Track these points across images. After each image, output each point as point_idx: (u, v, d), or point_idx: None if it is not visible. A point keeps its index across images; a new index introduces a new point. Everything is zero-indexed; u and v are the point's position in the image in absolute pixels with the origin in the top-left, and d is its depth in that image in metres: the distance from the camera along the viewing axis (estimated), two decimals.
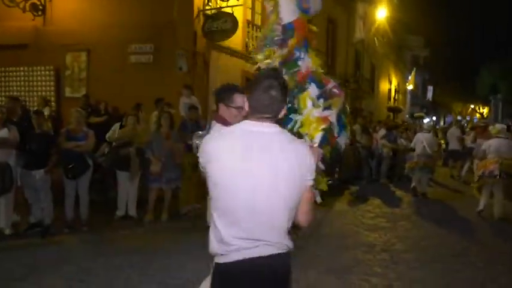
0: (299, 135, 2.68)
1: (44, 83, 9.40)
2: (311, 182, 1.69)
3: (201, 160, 1.71)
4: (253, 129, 1.65)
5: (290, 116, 2.77)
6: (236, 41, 9.53)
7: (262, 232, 1.60)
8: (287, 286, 1.67)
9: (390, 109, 26.18)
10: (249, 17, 10.42)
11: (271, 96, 1.64)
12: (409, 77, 30.18)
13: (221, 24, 8.14)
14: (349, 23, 17.83)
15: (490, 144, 6.76)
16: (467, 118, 38.02)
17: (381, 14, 19.50)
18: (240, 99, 2.48)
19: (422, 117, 29.31)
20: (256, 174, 1.58)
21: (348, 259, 4.63)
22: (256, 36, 10.49)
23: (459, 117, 33.11)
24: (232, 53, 9.57)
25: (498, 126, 7.35)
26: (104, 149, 6.79)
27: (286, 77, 2.76)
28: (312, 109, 2.72)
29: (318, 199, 2.65)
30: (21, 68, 9.48)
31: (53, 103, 9.15)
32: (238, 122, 2.44)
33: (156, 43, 8.52)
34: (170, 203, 6.08)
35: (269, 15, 2.96)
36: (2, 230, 5.09)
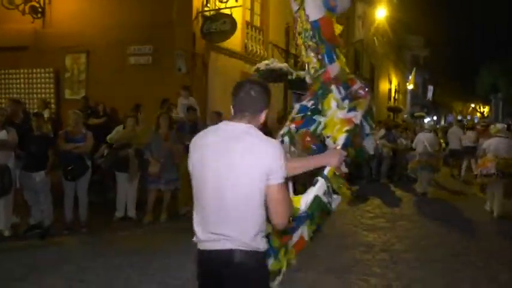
0: (322, 137, 2.65)
1: (43, 85, 9.42)
2: (276, 182, 1.67)
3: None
4: (228, 128, 1.76)
5: (314, 118, 2.72)
6: (235, 42, 9.55)
7: (225, 228, 1.69)
8: (251, 285, 1.73)
9: (390, 109, 26.16)
10: (248, 18, 10.43)
11: (250, 96, 1.75)
12: (409, 77, 30.17)
13: (220, 25, 8.16)
14: (348, 23, 17.84)
15: (490, 144, 6.83)
16: (468, 117, 37.98)
17: (381, 13, 19.51)
18: None
19: (423, 117, 29.31)
20: (222, 171, 1.68)
21: (347, 259, 4.63)
22: (256, 38, 10.52)
23: (459, 117, 33.07)
24: (231, 54, 9.58)
25: (498, 125, 7.42)
26: (103, 150, 6.80)
27: (309, 77, 2.78)
28: (336, 110, 2.64)
29: (334, 205, 2.42)
30: (21, 70, 9.50)
31: (52, 105, 9.17)
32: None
33: (155, 44, 8.53)
34: (169, 203, 6.09)
35: (295, 13, 2.84)
36: (1, 231, 5.11)
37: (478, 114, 40.70)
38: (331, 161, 2.27)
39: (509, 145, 6.66)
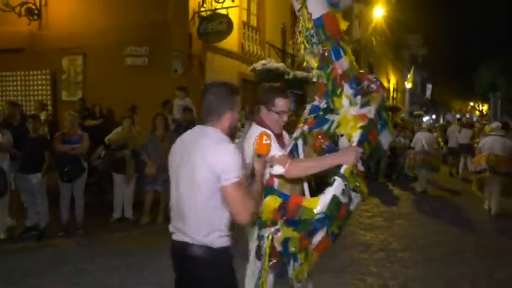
0: (335, 136, 2.57)
1: (40, 87, 9.39)
2: (229, 183, 1.74)
3: None
4: (195, 131, 1.94)
5: (326, 117, 2.64)
6: (232, 42, 9.53)
7: (182, 223, 1.87)
8: (205, 279, 1.85)
9: (389, 108, 26.15)
10: (245, 19, 10.42)
11: (210, 100, 1.88)
12: (408, 76, 30.16)
13: (216, 25, 8.14)
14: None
15: (485, 142, 6.97)
16: (467, 116, 37.98)
17: (378, 13, 19.49)
18: (282, 103, 2.43)
19: (422, 116, 29.28)
20: (182, 172, 1.86)
21: (344, 258, 4.62)
22: (252, 38, 10.51)
23: (458, 115, 33.08)
24: (228, 54, 9.56)
25: (493, 124, 7.52)
26: (100, 151, 6.80)
27: (322, 76, 2.68)
28: (348, 107, 2.57)
29: (353, 205, 2.39)
30: (18, 73, 9.48)
31: (49, 107, 9.16)
32: (280, 127, 2.50)
33: (152, 45, 8.51)
34: (166, 205, 6.06)
35: (297, 12, 2.79)
36: None
37: (477, 113, 40.70)
38: (348, 159, 2.24)
39: (504, 143, 6.74)
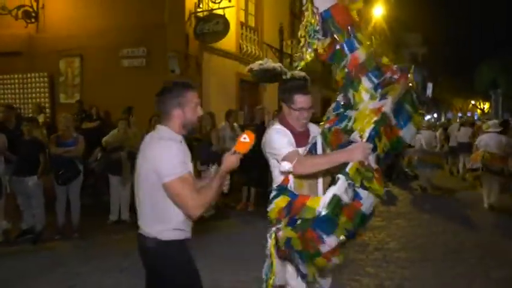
0: (351, 133, 2.39)
1: (38, 90, 9.40)
2: (168, 180, 1.83)
3: None
4: (154, 130, 2.04)
5: (345, 113, 2.48)
6: (229, 42, 9.52)
7: (140, 218, 2.03)
8: (155, 269, 2.00)
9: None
10: (242, 19, 10.40)
11: (159, 100, 1.98)
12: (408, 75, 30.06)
13: (213, 26, 8.13)
14: None
15: (481, 139, 7.07)
16: (468, 114, 37.85)
17: (377, 12, 19.42)
18: (301, 100, 2.40)
19: (423, 114, 29.14)
20: (137, 171, 2.01)
21: None
22: (250, 38, 10.48)
23: (459, 114, 32.96)
24: (226, 54, 9.55)
25: (490, 122, 7.56)
26: (97, 154, 6.79)
27: (337, 71, 2.53)
28: (368, 102, 2.39)
29: (367, 207, 2.23)
30: (15, 76, 9.49)
31: (47, 110, 9.16)
32: (302, 124, 2.46)
33: (148, 46, 8.50)
34: None
35: (303, 7, 2.63)
36: None
37: (478, 111, 40.58)
38: (354, 156, 2.11)
39: (499, 140, 6.82)
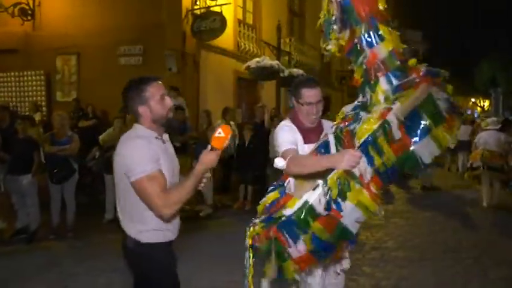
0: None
1: (34, 88, 9.36)
2: (135, 179, 1.77)
3: None
4: None
5: (359, 114, 2.25)
6: (227, 40, 9.46)
7: (119, 216, 1.96)
8: (132, 269, 1.97)
9: None
10: (240, 16, 10.33)
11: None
12: None
13: (210, 23, 8.07)
14: None
15: (480, 137, 7.06)
16: (469, 112, 37.81)
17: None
18: (309, 94, 2.32)
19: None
20: (114, 171, 1.95)
21: None
22: (248, 36, 10.42)
23: None
24: (223, 52, 9.48)
25: (488, 120, 7.58)
26: (95, 152, 6.75)
27: (355, 68, 2.30)
28: (381, 105, 2.14)
29: (351, 219, 2.06)
30: (12, 74, 9.45)
31: (44, 108, 9.12)
32: (312, 119, 2.36)
33: (145, 44, 8.47)
34: None
35: None
36: None
37: (478, 109, 40.54)
38: (337, 163, 1.94)
39: (498, 138, 6.85)
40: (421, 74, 2.15)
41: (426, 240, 5.33)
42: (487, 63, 32.50)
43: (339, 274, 2.51)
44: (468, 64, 32.75)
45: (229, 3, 8.84)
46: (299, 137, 2.34)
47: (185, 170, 2.14)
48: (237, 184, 7.32)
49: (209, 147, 1.81)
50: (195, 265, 3.94)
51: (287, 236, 2.06)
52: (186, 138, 6.38)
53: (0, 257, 4.66)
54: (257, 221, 2.25)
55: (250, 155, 6.84)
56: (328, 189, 2.01)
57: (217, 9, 8.40)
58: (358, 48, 2.20)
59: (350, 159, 1.90)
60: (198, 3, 8.60)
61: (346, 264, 2.55)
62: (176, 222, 1.99)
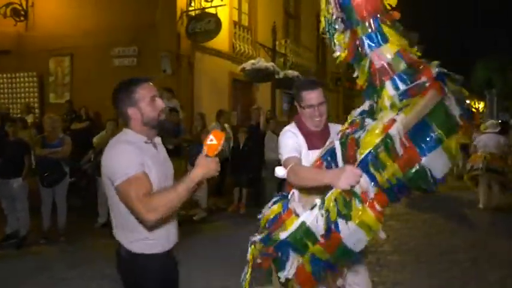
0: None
1: (27, 90, 9.27)
2: (117, 183, 1.68)
3: None
4: None
5: (365, 121, 2.08)
6: (222, 42, 9.40)
7: (114, 225, 1.88)
8: (128, 281, 1.88)
9: None
10: (236, 18, 10.28)
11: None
12: None
13: (204, 25, 8.02)
14: None
15: (480, 140, 7.10)
16: None
17: None
18: (310, 96, 2.23)
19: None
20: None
21: None
22: (244, 37, 10.37)
23: None
24: (218, 54, 9.43)
25: (487, 123, 7.61)
26: (91, 155, 6.67)
27: (357, 70, 2.14)
28: (386, 113, 1.95)
29: (352, 241, 1.91)
30: (4, 75, 9.35)
31: (36, 110, 9.02)
32: (316, 122, 2.26)
33: (140, 46, 8.40)
34: None
35: None
36: None
37: (474, 110, 40.84)
38: (336, 181, 1.81)
39: (498, 141, 6.91)
40: (431, 76, 1.92)
41: (422, 243, 5.30)
42: (483, 64, 32.70)
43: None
44: (467, 64, 32.93)
45: (225, 5, 8.78)
46: (303, 143, 2.25)
47: (179, 173, 2.05)
48: (231, 187, 7.25)
49: (203, 154, 1.70)
50: (189, 269, 3.84)
51: (283, 257, 2.00)
52: (179, 140, 6.31)
53: None
54: (257, 239, 2.17)
55: (245, 157, 6.78)
56: (326, 211, 1.89)
57: (212, 10, 8.35)
58: (360, 50, 2.03)
59: (349, 178, 1.79)
60: (192, 4, 8.55)
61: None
62: (172, 231, 1.89)
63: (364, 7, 1.96)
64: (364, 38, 1.98)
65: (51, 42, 8.84)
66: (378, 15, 1.98)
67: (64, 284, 3.94)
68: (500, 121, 9.60)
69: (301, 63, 12.29)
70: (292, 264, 2.01)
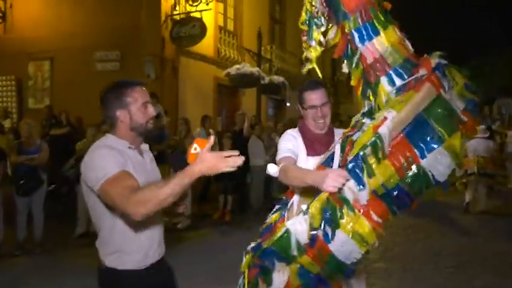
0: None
1: (4, 94, 9.00)
2: (98, 187, 1.57)
3: None
4: None
5: (363, 121, 1.93)
6: (207, 46, 9.33)
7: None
8: (99, 284, 1.78)
9: None
10: (221, 23, 10.23)
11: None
12: None
13: (189, 29, 7.93)
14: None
15: (470, 144, 7.13)
16: None
17: None
18: (311, 97, 2.13)
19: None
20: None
21: None
22: (229, 42, 10.31)
23: None
24: (203, 59, 9.35)
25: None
26: (73, 161, 6.48)
27: (346, 68, 2.04)
28: (382, 112, 1.81)
29: (343, 250, 1.78)
30: None
31: (14, 115, 8.74)
32: (319, 124, 2.15)
33: (123, 50, 8.26)
34: None
35: None
36: None
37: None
38: (321, 183, 1.67)
39: (487, 145, 7.14)
40: (431, 68, 1.76)
41: (407, 249, 5.28)
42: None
43: None
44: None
45: (210, 9, 8.72)
46: (302, 148, 2.16)
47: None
48: (216, 194, 7.14)
49: (189, 160, 1.55)
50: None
51: (268, 265, 1.89)
52: (163, 146, 6.18)
53: None
54: (250, 247, 2.09)
55: None
56: (311, 217, 1.76)
57: (197, 15, 8.27)
58: (350, 46, 1.91)
59: (333, 179, 1.63)
60: (177, 8, 8.46)
61: None
62: (153, 246, 1.77)
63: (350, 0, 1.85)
64: (353, 32, 1.87)
65: (30, 45, 8.61)
66: (368, 7, 1.86)
67: None
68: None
69: (287, 69, 12.30)
70: (280, 276, 1.90)
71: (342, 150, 1.94)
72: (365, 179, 1.71)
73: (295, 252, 1.80)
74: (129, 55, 8.22)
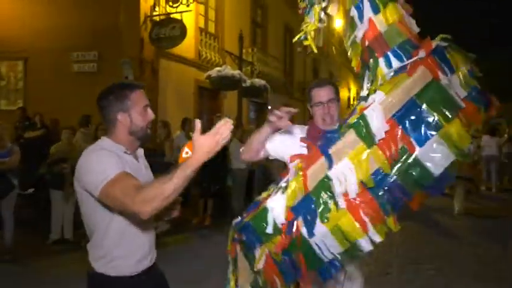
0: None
1: None
2: (99, 192, 1.50)
3: None
4: None
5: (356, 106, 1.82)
6: (188, 48, 9.22)
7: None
8: None
9: None
10: (202, 25, 10.14)
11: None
12: None
13: (169, 31, 7.80)
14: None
15: None
16: None
17: (338, 23, 19.82)
18: (317, 94, 2.07)
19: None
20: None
21: None
22: (210, 45, 10.22)
23: None
24: (184, 61, 9.23)
25: None
26: (47, 165, 6.24)
27: (349, 49, 1.94)
28: (376, 94, 1.70)
29: (317, 240, 1.69)
30: None
31: None
32: (326, 122, 2.05)
33: (101, 50, 8.06)
34: None
35: None
36: None
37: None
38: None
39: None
40: (430, 50, 1.65)
41: (387, 252, 5.30)
42: None
43: None
44: None
45: (190, 11, 8.61)
46: (296, 142, 2.02)
47: None
48: (196, 198, 7.02)
49: (195, 136, 1.44)
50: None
51: (247, 241, 1.83)
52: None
53: None
54: (234, 222, 2.00)
55: (209, 167, 6.57)
56: (287, 198, 1.65)
57: (177, 16, 8.15)
58: (350, 24, 1.83)
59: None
60: (157, 9, 8.32)
61: None
62: (143, 252, 1.72)
63: None
64: (353, 8, 1.79)
65: (3, 44, 8.30)
66: None
67: None
68: None
69: (269, 72, 12.30)
70: (260, 253, 1.80)
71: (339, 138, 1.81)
72: (352, 168, 1.60)
73: (269, 230, 1.71)
74: (107, 56, 8.03)
